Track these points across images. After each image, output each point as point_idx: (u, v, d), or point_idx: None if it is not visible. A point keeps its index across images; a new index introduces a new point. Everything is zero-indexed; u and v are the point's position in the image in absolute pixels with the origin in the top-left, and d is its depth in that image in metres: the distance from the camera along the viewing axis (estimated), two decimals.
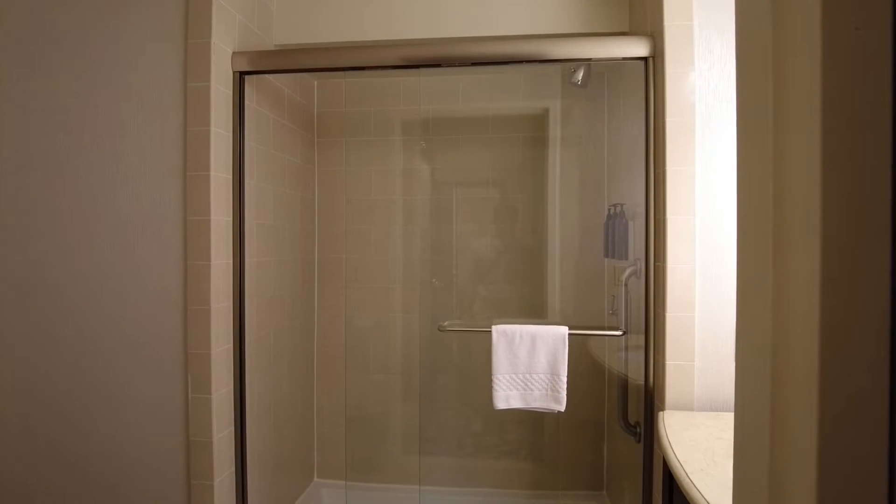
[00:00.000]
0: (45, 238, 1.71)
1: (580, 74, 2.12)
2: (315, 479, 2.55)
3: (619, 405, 1.85)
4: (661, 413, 1.48)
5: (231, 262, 1.74)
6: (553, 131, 2.44)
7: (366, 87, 2.55)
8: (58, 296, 1.70)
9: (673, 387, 1.52)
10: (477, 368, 2.26)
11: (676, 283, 1.53)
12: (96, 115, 1.68)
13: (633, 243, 1.84)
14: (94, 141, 1.68)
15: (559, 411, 1.74)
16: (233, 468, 1.74)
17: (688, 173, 1.53)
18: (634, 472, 1.78)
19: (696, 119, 1.54)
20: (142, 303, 1.67)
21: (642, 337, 1.66)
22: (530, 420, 2.46)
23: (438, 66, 1.71)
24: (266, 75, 1.96)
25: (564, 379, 1.72)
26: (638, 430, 1.73)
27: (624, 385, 1.87)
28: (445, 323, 2.02)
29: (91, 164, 1.69)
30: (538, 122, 2.50)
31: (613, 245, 1.98)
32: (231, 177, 1.73)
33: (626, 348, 1.90)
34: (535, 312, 2.45)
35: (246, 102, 1.78)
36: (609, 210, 2.08)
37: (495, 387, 1.76)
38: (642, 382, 1.66)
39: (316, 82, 2.55)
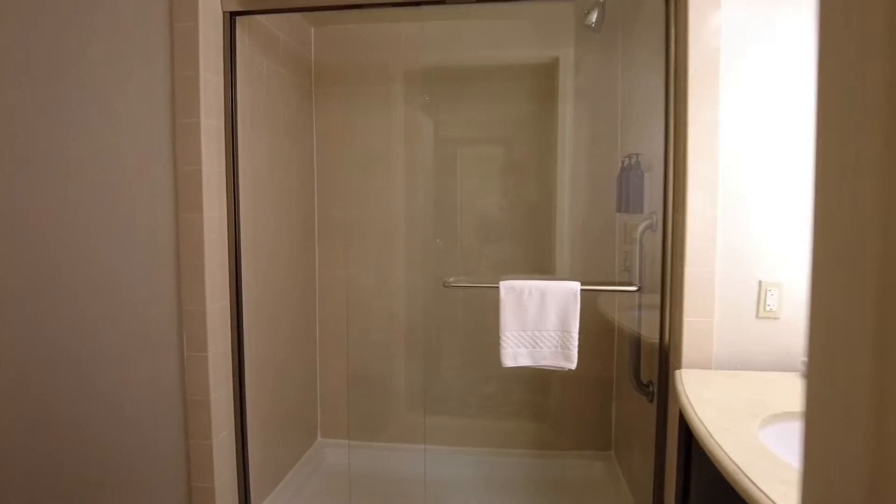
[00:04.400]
0: (31, 194, 1.62)
1: (594, 16, 1.97)
2: (319, 438, 2.53)
3: (631, 364, 1.79)
4: (678, 371, 1.42)
5: (225, 215, 1.65)
6: (564, 81, 2.30)
7: (365, 34, 2.41)
8: (46, 254, 1.63)
9: (690, 345, 1.45)
10: (482, 326, 2.19)
11: (696, 235, 1.44)
12: (78, 59, 1.58)
13: (648, 195, 1.75)
14: (77, 86, 1.58)
15: (570, 369, 1.68)
16: (232, 427, 1.70)
17: (711, 119, 1.43)
18: (645, 432, 1.73)
19: (721, 59, 1.42)
20: (133, 257, 1.60)
21: (657, 294, 1.58)
22: (536, 379, 2.41)
23: (442, 2, 1.59)
24: (259, 16, 1.84)
25: (576, 336, 1.65)
26: (651, 389, 1.67)
27: (637, 343, 1.81)
28: (450, 279, 1.94)
29: (75, 111, 1.59)
30: (548, 72, 2.36)
31: (628, 198, 1.88)
32: (223, 125, 1.63)
33: (640, 305, 1.82)
34: (544, 271, 2.37)
35: (238, 46, 1.67)
36: (623, 161, 1.97)
37: (503, 344, 1.69)
38: (657, 340, 1.59)
39: (313, 29, 2.42)
